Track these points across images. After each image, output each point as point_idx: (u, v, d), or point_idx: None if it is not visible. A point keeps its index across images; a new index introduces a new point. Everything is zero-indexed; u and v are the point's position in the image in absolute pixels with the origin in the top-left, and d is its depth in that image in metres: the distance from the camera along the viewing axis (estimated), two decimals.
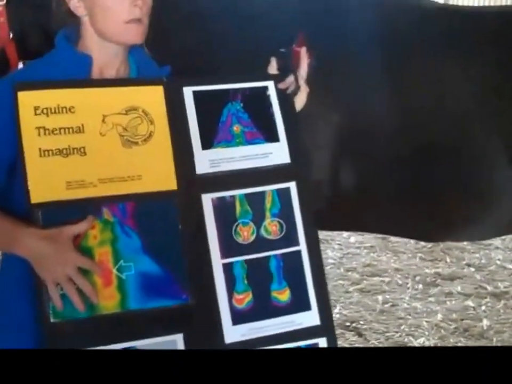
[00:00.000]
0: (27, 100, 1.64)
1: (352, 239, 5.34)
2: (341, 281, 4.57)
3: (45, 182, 1.62)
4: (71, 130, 1.65)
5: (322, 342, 1.76)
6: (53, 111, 1.65)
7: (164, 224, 1.70)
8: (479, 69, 2.50)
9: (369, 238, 5.27)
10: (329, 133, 2.43)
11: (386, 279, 4.75)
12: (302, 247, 1.80)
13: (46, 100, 1.66)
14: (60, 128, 1.65)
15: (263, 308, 1.75)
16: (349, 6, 2.54)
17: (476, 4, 12.26)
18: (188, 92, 1.79)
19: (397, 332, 4.03)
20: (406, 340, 3.95)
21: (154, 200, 1.69)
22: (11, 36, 2.34)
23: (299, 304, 1.78)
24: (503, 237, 5.33)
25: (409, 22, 2.56)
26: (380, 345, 3.87)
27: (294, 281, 1.78)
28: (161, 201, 1.70)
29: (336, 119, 2.42)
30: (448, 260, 5.10)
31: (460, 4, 11.96)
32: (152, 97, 1.74)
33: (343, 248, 5.16)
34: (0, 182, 1.70)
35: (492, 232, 2.80)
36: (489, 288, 4.67)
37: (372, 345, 3.83)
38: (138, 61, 1.86)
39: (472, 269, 4.98)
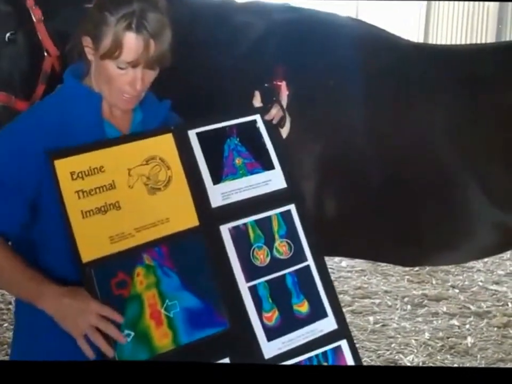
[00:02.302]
0: (63, 167, 1.71)
1: (344, 264, 5.42)
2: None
3: (91, 241, 1.69)
4: (104, 188, 1.73)
5: (343, 344, 1.87)
6: (86, 173, 1.72)
7: (195, 259, 1.77)
8: (453, 105, 2.56)
9: (359, 262, 5.32)
10: (312, 163, 2.48)
11: (377, 301, 4.85)
12: (310, 261, 1.89)
13: (79, 164, 1.73)
14: (95, 188, 1.72)
15: (289, 321, 1.84)
16: (330, 44, 2.59)
17: (452, 42, 12.63)
18: (192, 135, 1.88)
19: (387, 350, 4.13)
20: (396, 357, 4.04)
21: (183, 239, 1.77)
22: (58, 52, 2.40)
23: (317, 313, 1.87)
24: (484, 260, 5.45)
25: (387, 58, 2.63)
26: (372, 362, 3.95)
27: (310, 293, 1.87)
28: (188, 238, 1.78)
29: (318, 150, 2.48)
30: (434, 282, 5.20)
31: (438, 42, 12.35)
32: (164, 145, 1.84)
33: (335, 272, 5.22)
34: (24, 217, 1.75)
35: (468, 257, 2.88)
36: (473, 308, 4.78)
37: (365, 363, 3.86)
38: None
39: (457, 290, 5.09)
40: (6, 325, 4.34)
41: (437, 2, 13.36)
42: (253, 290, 1.82)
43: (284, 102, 2.01)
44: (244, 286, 1.81)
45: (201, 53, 2.52)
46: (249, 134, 1.96)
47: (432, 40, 13.20)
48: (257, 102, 2.01)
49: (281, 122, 1.99)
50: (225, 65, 2.51)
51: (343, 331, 1.89)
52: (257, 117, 1.98)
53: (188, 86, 2.41)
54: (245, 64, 2.51)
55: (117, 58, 1.74)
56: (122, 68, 1.76)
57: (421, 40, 12.93)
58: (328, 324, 1.87)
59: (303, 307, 1.87)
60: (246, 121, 1.97)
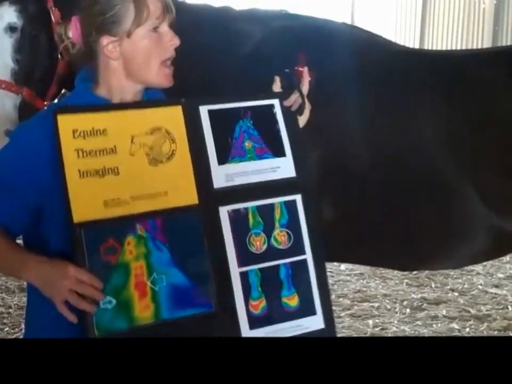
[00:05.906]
0: (66, 123, 1.71)
1: (343, 267, 5.40)
2: (332, 307, 4.67)
3: (85, 202, 1.68)
4: (105, 151, 1.72)
5: None
6: (88, 134, 1.72)
7: (189, 237, 1.76)
8: (450, 111, 2.58)
9: (358, 266, 5.25)
10: (310, 167, 2.41)
11: (376, 304, 4.83)
12: (308, 256, 1.86)
13: (82, 124, 1.72)
14: (96, 150, 1.71)
15: (276, 313, 1.82)
16: (327, 50, 2.60)
17: (448, 45, 12.70)
18: (204, 111, 1.85)
19: None
20: None
21: (179, 215, 1.76)
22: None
23: (306, 309, 1.85)
24: (484, 263, 5.41)
25: (383, 65, 2.65)
26: None
27: (302, 288, 1.85)
28: (185, 215, 1.77)
29: (316, 154, 2.47)
30: (433, 285, 5.20)
31: (434, 45, 12.41)
32: (172, 117, 1.81)
33: (334, 275, 5.20)
34: (24, 226, 1.80)
35: (466, 262, 2.88)
36: (473, 311, 4.77)
37: None
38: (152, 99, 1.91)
39: (456, 294, 5.08)
40: (7, 329, 4.32)
41: (433, 5, 13.40)
42: (244, 276, 1.80)
43: (305, 88, 1.97)
44: (235, 271, 1.79)
45: (201, 59, 2.55)
46: (264, 118, 1.92)
47: (428, 43, 13.25)
48: (276, 87, 1.98)
49: (300, 110, 1.95)
50: (225, 72, 2.54)
51: (329, 332, 1.87)
52: (275, 102, 1.95)
53: (189, 91, 2.40)
54: (243, 71, 2.53)
55: (146, 19, 1.78)
56: (155, 27, 1.80)
57: (417, 43, 12.98)
58: (315, 322, 1.85)
59: (292, 301, 1.84)
60: (262, 104, 1.94)
